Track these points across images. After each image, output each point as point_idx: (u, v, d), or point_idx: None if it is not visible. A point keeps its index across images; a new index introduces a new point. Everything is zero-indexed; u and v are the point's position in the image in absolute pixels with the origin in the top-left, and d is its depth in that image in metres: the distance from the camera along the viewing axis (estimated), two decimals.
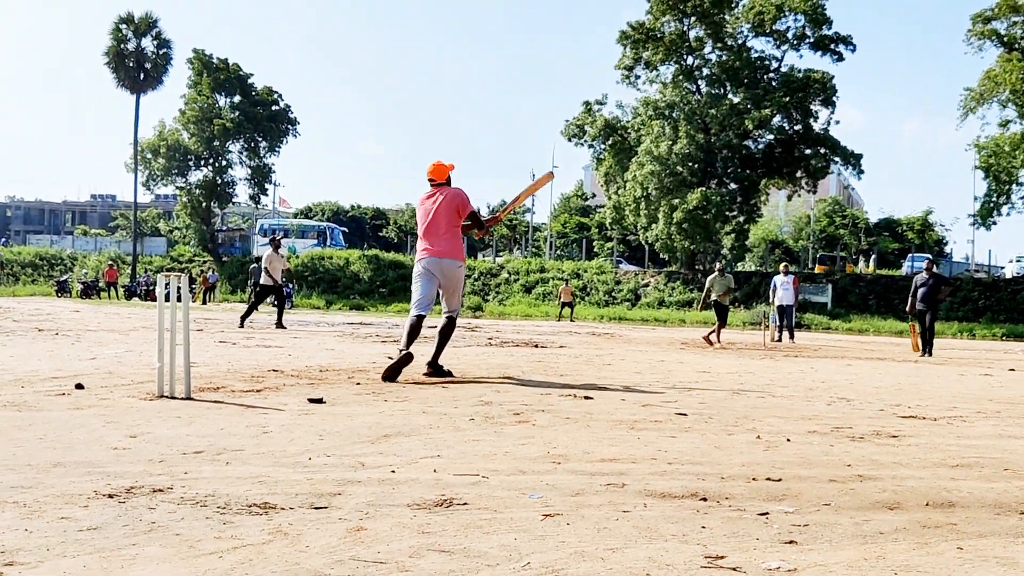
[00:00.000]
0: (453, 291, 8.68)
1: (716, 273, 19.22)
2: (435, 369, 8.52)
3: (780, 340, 21.02)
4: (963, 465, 4.62)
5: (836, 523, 3.35)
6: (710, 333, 18.42)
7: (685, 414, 6.30)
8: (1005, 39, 39.15)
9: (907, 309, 17.77)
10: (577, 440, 5.03)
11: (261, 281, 18.86)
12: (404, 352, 8.08)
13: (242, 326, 17.69)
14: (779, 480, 4.08)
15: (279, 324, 18.17)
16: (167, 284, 6.63)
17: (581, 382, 8.46)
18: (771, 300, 22.14)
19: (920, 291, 17.24)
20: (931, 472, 4.39)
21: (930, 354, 16.59)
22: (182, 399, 6.23)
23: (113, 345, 11.55)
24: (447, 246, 8.51)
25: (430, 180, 8.70)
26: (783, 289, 21.70)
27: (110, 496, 3.43)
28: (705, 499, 3.66)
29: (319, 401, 6.35)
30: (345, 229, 62.05)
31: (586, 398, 7.11)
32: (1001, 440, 5.58)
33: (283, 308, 19.12)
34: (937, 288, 17.28)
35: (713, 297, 18.87)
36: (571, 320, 34.74)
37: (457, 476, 3.96)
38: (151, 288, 40.21)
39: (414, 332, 8.31)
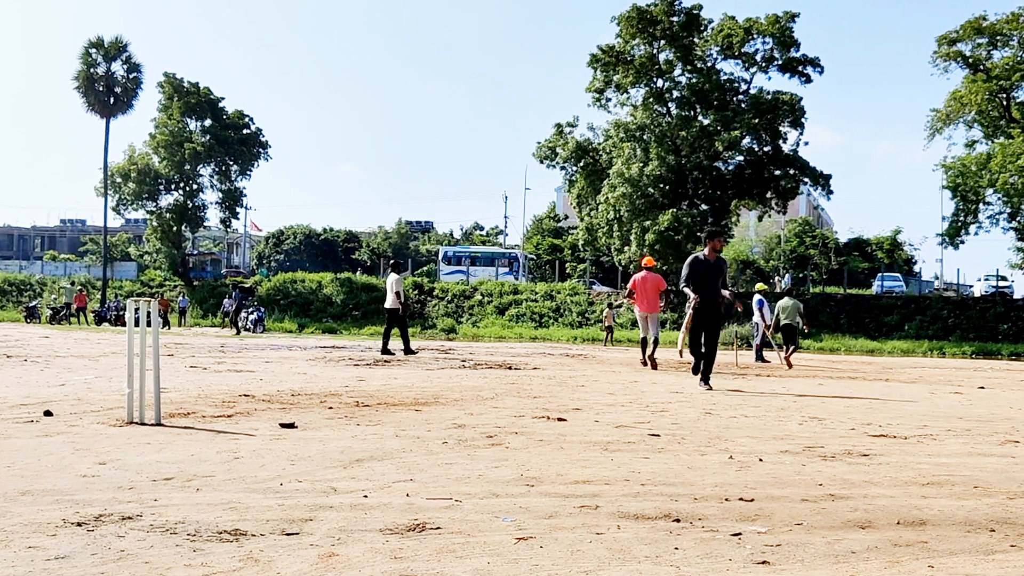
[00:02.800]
0: (654, 325, 15.83)
1: (786, 297, 19.65)
2: (652, 363, 15.38)
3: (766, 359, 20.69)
4: (934, 483, 4.65)
5: (808, 543, 3.36)
6: (788, 355, 18.32)
7: (658, 435, 6.31)
8: (970, 60, 39.74)
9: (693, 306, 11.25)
10: (551, 462, 5.03)
11: (388, 305, 18.66)
12: (644, 356, 15.74)
13: (408, 352, 17.90)
14: (751, 500, 4.09)
15: (408, 350, 18.05)
16: (136, 309, 6.57)
17: (555, 404, 8.46)
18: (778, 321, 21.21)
19: (704, 282, 11.02)
20: (902, 491, 4.42)
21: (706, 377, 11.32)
22: (152, 425, 6.17)
23: (82, 371, 11.43)
24: (653, 304, 15.72)
25: (646, 267, 16.11)
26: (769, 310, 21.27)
27: (79, 524, 3.39)
28: (678, 520, 3.67)
29: (291, 426, 6.32)
30: (530, 256, 60.97)
31: (559, 420, 7.11)
32: (971, 458, 5.63)
33: (407, 333, 18.99)
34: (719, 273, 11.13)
35: (785, 320, 19.07)
36: (611, 344, 32.35)
37: (430, 500, 3.95)
38: (121, 313, 39.81)
39: (644, 344, 15.93)
